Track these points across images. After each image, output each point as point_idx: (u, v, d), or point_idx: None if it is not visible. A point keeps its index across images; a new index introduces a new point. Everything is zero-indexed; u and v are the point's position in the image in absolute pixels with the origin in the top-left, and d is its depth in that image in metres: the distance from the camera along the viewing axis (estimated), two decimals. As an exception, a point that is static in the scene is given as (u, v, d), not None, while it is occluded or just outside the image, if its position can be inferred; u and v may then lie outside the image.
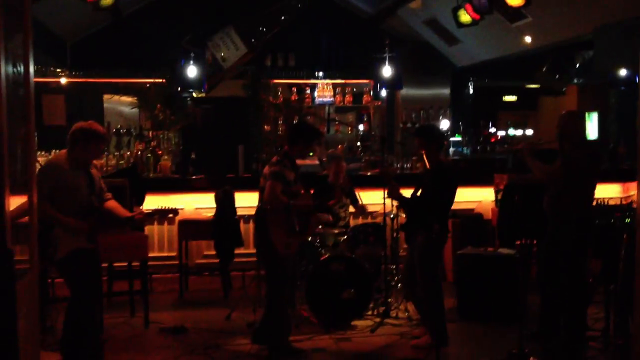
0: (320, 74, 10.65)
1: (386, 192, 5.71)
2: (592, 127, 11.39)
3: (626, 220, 5.46)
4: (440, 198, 5.46)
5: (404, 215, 6.21)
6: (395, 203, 6.59)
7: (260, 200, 5.32)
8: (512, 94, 12.75)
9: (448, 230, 5.66)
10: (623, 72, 9.08)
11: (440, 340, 5.32)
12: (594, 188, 5.47)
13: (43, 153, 8.05)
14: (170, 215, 5.41)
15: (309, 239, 6.53)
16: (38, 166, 4.99)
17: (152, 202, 7.08)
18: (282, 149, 5.47)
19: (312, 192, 5.71)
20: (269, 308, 5.32)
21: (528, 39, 8.32)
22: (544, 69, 9.06)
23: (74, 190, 4.81)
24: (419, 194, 5.63)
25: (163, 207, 5.29)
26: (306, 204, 5.40)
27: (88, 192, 4.88)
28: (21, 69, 4.02)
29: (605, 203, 6.24)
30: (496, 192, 7.79)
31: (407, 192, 5.71)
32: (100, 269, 5.04)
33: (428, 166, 5.53)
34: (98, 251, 5.00)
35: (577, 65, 9.31)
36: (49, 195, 4.72)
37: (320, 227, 6.76)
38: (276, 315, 5.28)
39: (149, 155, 8.52)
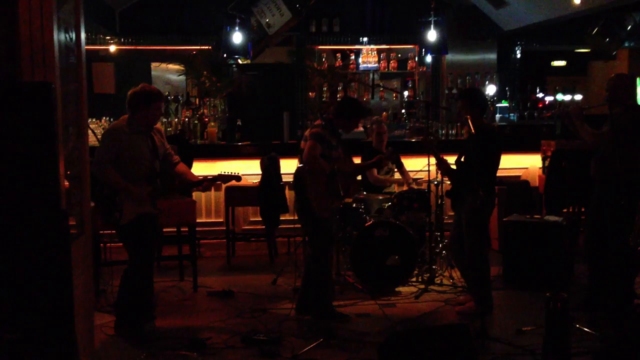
0: (365, 39, 10.55)
1: (435, 164, 5.71)
2: (643, 93, 11.08)
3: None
4: (486, 163, 5.41)
5: (449, 182, 6.18)
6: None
7: (300, 161, 5.36)
8: (561, 59, 12.43)
9: (495, 195, 5.59)
10: (675, 35, 8.78)
11: (486, 307, 5.34)
12: (643, 153, 5.36)
13: (94, 120, 8.24)
14: (234, 182, 5.40)
15: (353, 204, 6.58)
16: (90, 133, 5.13)
17: (199, 168, 7.21)
18: (327, 115, 5.49)
19: (360, 159, 5.73)
20: (312, 272, 5.39)
21: (577, 1, 8.07)
22: (594, 32, 8.77)
23: (137, 155, 4.91)
24: (463, 159, 5.60)
25: (226, 173, 5.29)
26: (346, 167, 5.43)
27: (151, 157, 4.98)
28: (73, 35, 4.11)
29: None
30: (543, 159, 7.69)
31: (452, 159, 5.70)
32: (158, 234, 5.15)
33: (473, 131, 5.47)
34: (157, 216, 5.12)
35: (629, 29, 8.99)
36: (113, 161, 4.85)
37: (363, 192, 6.82)
38: (319, 279, 5.34)
39: (196, 122, 8.66)
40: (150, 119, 4.98)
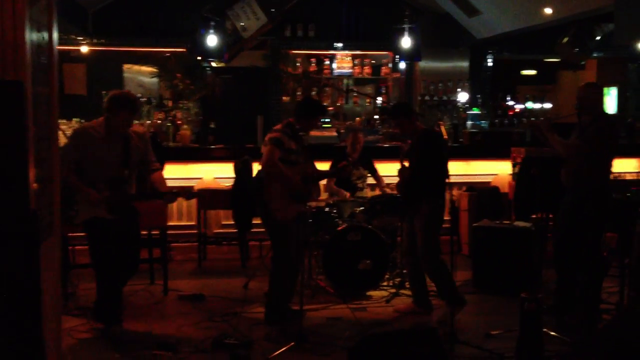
0: (340, 45, 10.60)
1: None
2: (611, 102, 11.30)
3: (642, 194, 5.45)
4: (429, 167, 5.47)
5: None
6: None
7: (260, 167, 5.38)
8: (531, 68, 12.61)
9: (444, 197, 5.62)
10: (643, 45, 8.96)
11: (457, 301, 5.42)
12: (611, 161, 5.45)
13: (64, 121, 8.15)
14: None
15: (326, 209, 6.60)
16: (60, 134, 5.07)
17: (171, 171, 7.17)
18: (286, 119, 5.53)
19: (331, 163, 5.75)
20: (271, 275, 5.42)
21: (548, 10, 8.21)
22: (564, 41, 8.93)
23: (103, 160, 4.87)
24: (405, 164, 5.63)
25: (187, 189, 5.45)
26: (308, 171, 5.45)
27: (119, 163, 4.93)
28: (45, 35, 4.06)
29: (622, 177, 6.24)
30: (513, 166, 7.78)
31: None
32: (124, 237, 5.02)
33: (446, 136, 5.51)
34: (126, 220, 5.01)
35: (597, 39, 9.17)
36: (76, 162, 4.80)
37: (337, 196, 6.85)
38: (278, 283, 5.38)
39: (169, 124, 8.61)
40: (124, 125, 4.95)
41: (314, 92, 10.47)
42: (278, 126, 5.41)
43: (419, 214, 5.50)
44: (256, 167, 7.40)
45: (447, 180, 5.30)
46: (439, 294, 5.68)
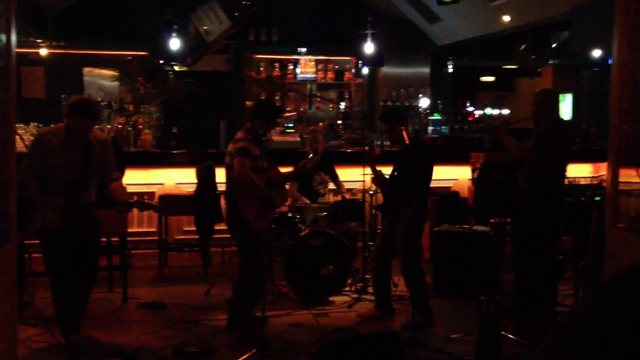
0: (303, 50, 10.63)
1: (371, 178, 5.80)
2: (566, 108, 11.54)
3: (595, 198, 5.58)
4: (417, 176, 5.53)
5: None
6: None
7: (228, 177, 5.33)
8: (490, 74, 12.83)
9: (426, 207, 5.71)
10: (597, 53, 9.19)
11: (426, 312, 5.49)
12: (565, 166, 5.58)
13: (22, 125, 8.01)
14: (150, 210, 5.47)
15: (289, 214, 6.61)
16: (17, 138, 4.99)
17: (132, 176, 7.10)
18: (247, 125, 5.49)
19: (293, 168, 5.77)
20: (240, 282, 5.39)
21: (507, 18, 8.37)
22: (521, 48, 9.11)
23: (60, 166, 4.79)
24: (396, 174, 5.70)
25: (146, 200, 5.35)
26: (275, 176, 5.46)
27: (78, 169, 4.86)
28: (3, 37, 3.99)
29: (577, 182, 6.36)
30: (472, 171, 7.89)
31: (388, 170, 5.78)
32: (81, 246, 4.95)
33: (407, 141, 5.56)
34: (83, 228, 4.94)
35: (553, 47, 9.39)
36: (37, 168, 4.73)
37: (298, 202, 6.86)
38: (246, 291, 5.35)
39: (130, 129, 8.50)
40: (83, 131, 4.89)
41: (277, 97, 10.47)
42: (240, 134, 5.35)
43: (400, 221, 5.54)
44: (219, 173, 7.39)
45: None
46: (411, 300, 5.71)
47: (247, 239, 5.31)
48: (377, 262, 5.76)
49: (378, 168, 5.74)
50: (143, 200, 5.26)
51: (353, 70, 10.79)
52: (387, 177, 5.73)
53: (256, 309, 5.41)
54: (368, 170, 5.93)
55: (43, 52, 9.83)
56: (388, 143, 8.91)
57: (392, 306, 5.82)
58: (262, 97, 9.83)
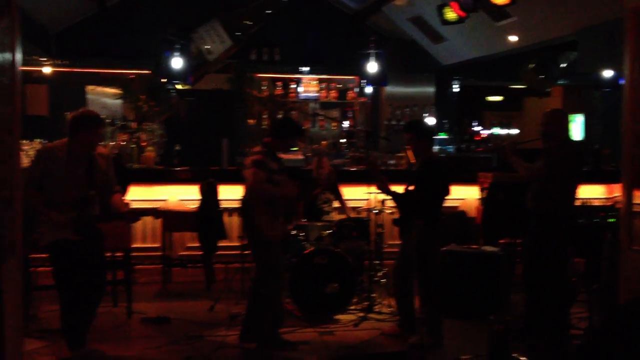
0: (306, 69, 10.64)
1: (375, 186, 5.71)
2: (576, 129, 11.50)
3: (609, 220, 5.51)
4: (429, 192, 5.46)
5: (391, 210, 6.22)
6: (380, 198, 6.62)
7: (246, 190, 5.31)
8: (497, 94, 12.82)
9: (438, 225, 5.62)
10: (607, 73, 9.17)
11: (436, 336, 5.38)
12: (575, 187, 5.50)
13: (26, 142, 7.98)
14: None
15: (294, 231, 6.55)
16: (22, 154, 4.96)
17: (136, 193, 7.05)
18: (265, 139, 5.48)
19: (297, 184, 5.72)
20: (258, 300, 5.29)
21: (513, 39, 8.38)
22: (529, 67, 9.11)
23: (66, 180, 4.76)
24: (410, 189, 5.63)
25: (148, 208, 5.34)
26: (290, 191, 5.41)
27: (84, 183, 4.82)
28: (8, 56, 3.97)
29: (589, 203, 6.31)
30: (480, 190, 7.83)
31: (394, 189, 5.72)
32: (90, 259, 4.89)
33: (413, 161, 5.52)
34: (91, 242, 4.89)
35: (562, 67, 9.39)
36: (38, 182, 4.69)
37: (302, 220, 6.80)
38: (266, 307, 5.27)
39: (133, 146, 8.47)
40: (88, 144, 4.86)
41: (279, 115, 10.46)
42: (257, 148, 5.37)
43: (412, 238, 5.47)
44: (222, 190, 7.35)
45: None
46: (423, 319, 5.60)
47: (261, 248, 5.26)
48: (397, 279, 5.68)
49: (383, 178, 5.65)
50: (154, 209, 5.20)
51: (356, 90, 10.79)
52: (396, 191, 5.65)
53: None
54: (373, 189, 5.84)
55: (47, 70, 9.86)
56: (392, 162, 8.92)
57: (415, 324, 5.62)
58: (281, 115, 9.81)
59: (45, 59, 9.78)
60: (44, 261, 5.12)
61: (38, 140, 8.33)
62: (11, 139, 4.04)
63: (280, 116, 10.05)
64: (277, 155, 5.44)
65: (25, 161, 5.66)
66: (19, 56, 4.06)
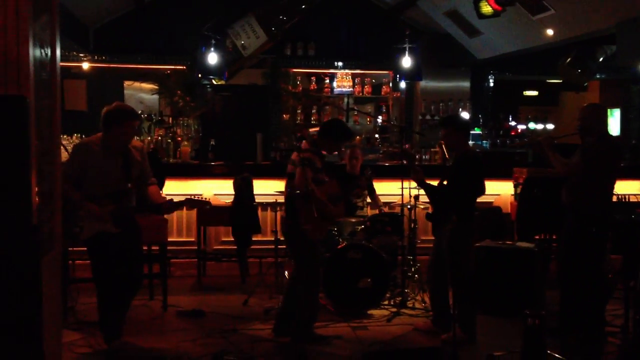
0: (340, 63, 10.63)
1: (412, 179, 5.69)
2: (614, 124, 11.29)
3: (647, 216, 5.42)
4: (463, 188, 5.41)
5: (425, 205, 6.18)
6: (413, 193, 6.60)
7: (289, 186, 5.33)
8: (533, 89, 12.62)
9: (472, 221, 5.55)
10: (646, 68, 8.97)
11: (469, 333, 5.35)
12: (613, 183, 5.43)
13: (65, 137, 8.14)
14: (205, 206, 5.32)
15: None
16: (61, 149, 5.05)
17: (172, 187, 7.16)
18: (313, 136, 5.52)
19: (338, 183, 5.74)
20: (300, 294, 5.32)
21: (550, 32, 8.24)
22: (566, 62, 8.94)
23: (104, 173, 4.85)
24: (445, 183, 5.60)
25: (194, 197, 5.32)
26: (334, 191, 5.43)
27: (120, 176, 4.91)
28: (48, 51, 4.06)
29: (626, 199, 6.20)
30: (515, 186, 7.76)
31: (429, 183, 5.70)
32: (129, 252, 4.99)
33: (447, 156, 5.50)
34: (129, 234, 4.98)
35: (600, 61, 9.20)
36: (76, 176, 4.78)
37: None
38: (307, 302, 5.31)
39: (169, 140, 8.60)
40: (123, 138, 4.94)
41: (314, 110, 10.49)
42: (305, 145, 5.39)
43: (445, 233, 5.45)
44: (256, 184, 7.42)
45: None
46: (455, 315, 5.57)
47: (303, 247, 5.29)
48: (431, 275, 5.67)
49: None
50: (192, 198, 5.22)
51: (391, 84, 10.74)
52: (431, 184, 5.62)
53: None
54: (407, 184, 5.83)
55: (85, 65, 10.02)
56: (427, 157, 8.88)
57: (448, 321, 5.55)
58: (333, 118, 9.81)
59: (83, 54, 9.94)
60: (82, 254, 5.22)
61: (77, 135, 8.50)
62: (51, 133, 4.13)
63: (317, 117, 10.11)
64: (322, 153, 5.47)
65: (64, 156, 5.77)
66: (58, 52, 4.15)
